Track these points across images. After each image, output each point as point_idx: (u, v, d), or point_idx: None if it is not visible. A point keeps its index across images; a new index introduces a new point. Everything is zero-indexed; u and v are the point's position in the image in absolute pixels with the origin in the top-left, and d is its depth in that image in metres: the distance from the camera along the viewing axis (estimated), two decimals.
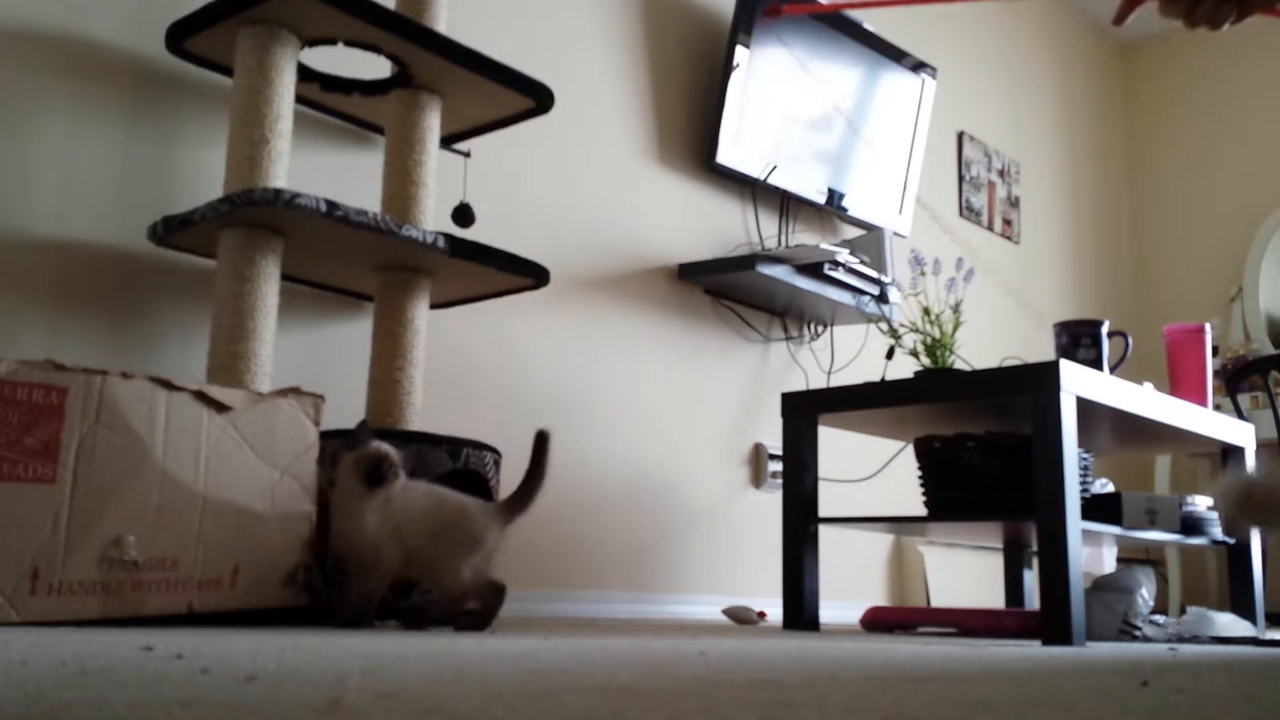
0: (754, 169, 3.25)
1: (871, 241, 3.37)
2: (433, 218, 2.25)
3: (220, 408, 1.68)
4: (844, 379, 3.52)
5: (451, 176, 2.52)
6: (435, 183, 2.27)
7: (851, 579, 3.53)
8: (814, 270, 3.13)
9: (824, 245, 3.16)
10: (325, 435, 1.80)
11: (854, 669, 1.16)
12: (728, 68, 3.16)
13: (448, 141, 2.47)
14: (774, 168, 3.29)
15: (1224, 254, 5.09)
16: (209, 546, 1.62)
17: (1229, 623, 2.52)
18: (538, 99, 2.33)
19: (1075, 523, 2.08)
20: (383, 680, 0.86)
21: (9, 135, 1.99)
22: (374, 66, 2.29)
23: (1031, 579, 2.97)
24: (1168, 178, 5.37)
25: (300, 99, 2.23)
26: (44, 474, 1.51)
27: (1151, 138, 5.46)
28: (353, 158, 2.46)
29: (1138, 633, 2.32)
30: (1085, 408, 2.25)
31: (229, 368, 1.89)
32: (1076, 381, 2.17)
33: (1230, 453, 2.81)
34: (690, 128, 3.27)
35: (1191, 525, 2.65)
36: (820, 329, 3.57)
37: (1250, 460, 2.81)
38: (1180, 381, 2.84)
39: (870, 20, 3.71)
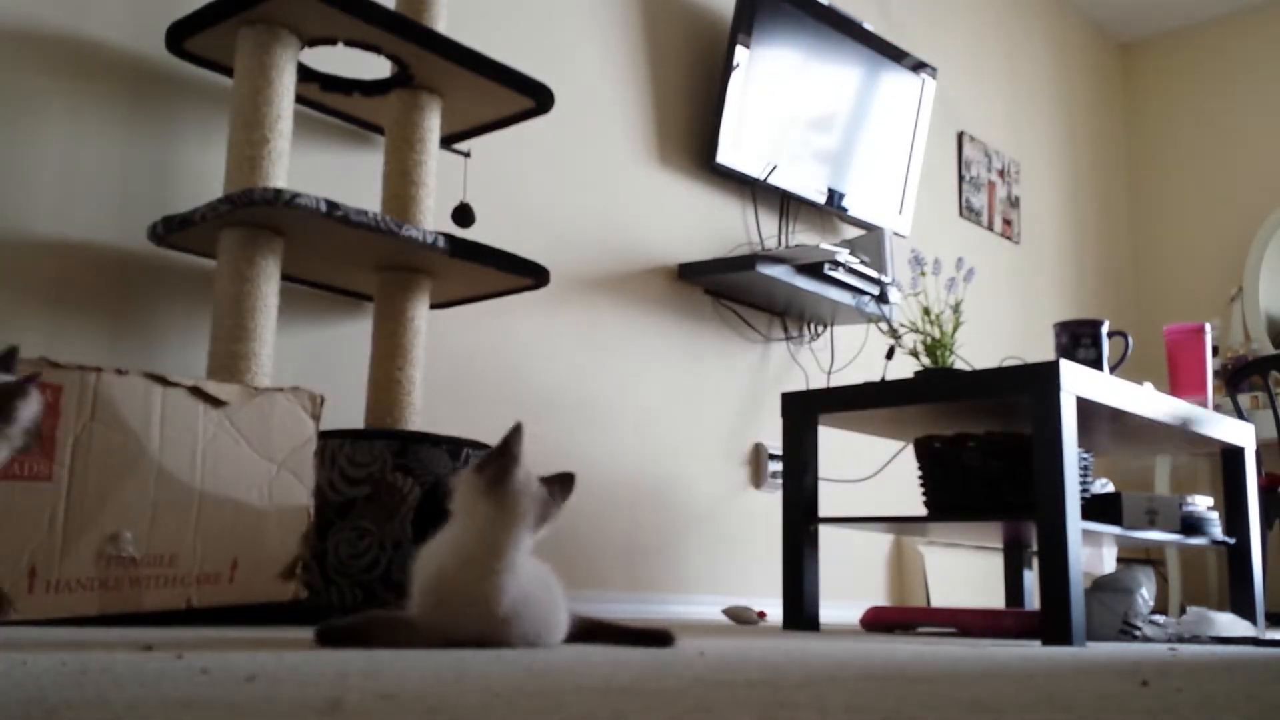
0: (754, 169, 3.25)
1: (871, 241, 3.37)
2: (433, 218, 2.25)
3: (216, 403, 1.68)
4: (844, 379, 3.51)
5: (451, 176, 2.51)
6: (435, 183, 2.27)
7: (851, 579, 3.53)
8: (814, 270, 3.13)
9: (824, 245, 3.16)
10: (324, 435, 1.80)
11: (854, 669, 1.16)
12: (728, 68, 3.16)
13: (448, 141, 2.47)
14: (774, 168, 3.28)
15: (1224, 254, 5.09)
16: (206, 541, 1.62)
17: (1229, 623, 2.52)
18: (538, 99, 2.32)
19: (1075, 523, 2.08)
20: (383, 680, 0.85)
21: (9, 135, 1.98)
22: (374, 66, 2.29)
23: (1031, 579, 2.96)
24: (1168, 178, 5.37)
25: (300, 99, 2.23)
26: (40, 471, 1.50)
27: (1151, 138, 5.45)
28: (353, 158, 2.46)
29: (1138, 633, 2.32)
30: (1085, 408, 2.25)
31: (229, 368, 1.88)
32: (1076, 381, 2.17)
33: (1230, 453, 2.81)
34: (690, 128, 3.27)
35: (1191, 525, 2.65)
36: (820, 329, 3.57)
37: (1251, 459, 2.81)
38: (1180, 381, 2.84)
39: (870, 20, 3.70)
